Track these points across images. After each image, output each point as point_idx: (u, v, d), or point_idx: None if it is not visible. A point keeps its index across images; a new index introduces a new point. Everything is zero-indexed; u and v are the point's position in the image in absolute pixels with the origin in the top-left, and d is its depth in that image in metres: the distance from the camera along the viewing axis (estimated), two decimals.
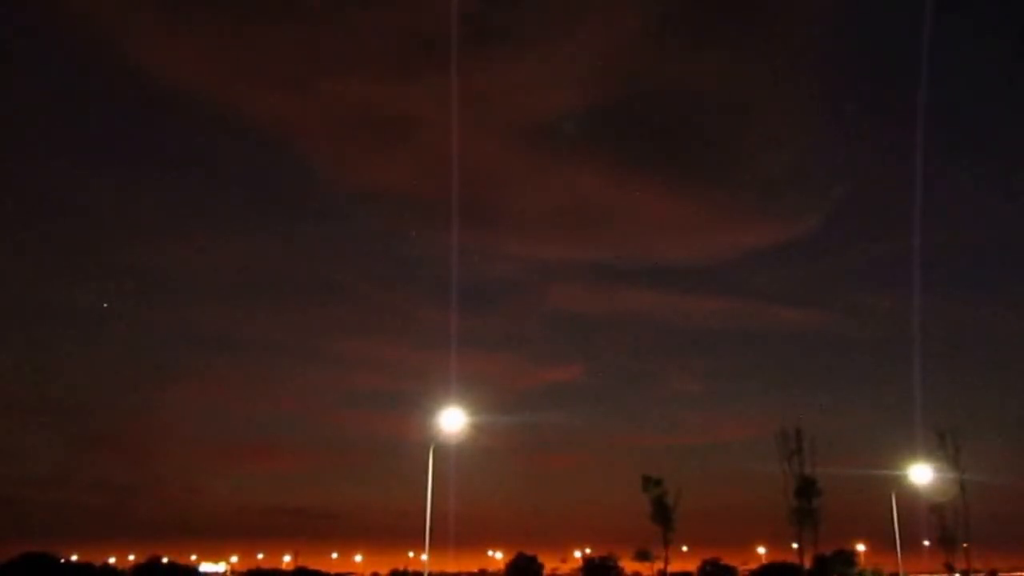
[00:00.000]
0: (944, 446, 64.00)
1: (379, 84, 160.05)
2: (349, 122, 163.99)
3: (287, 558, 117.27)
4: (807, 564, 66.39)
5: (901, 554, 53.76)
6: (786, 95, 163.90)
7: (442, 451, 31.90)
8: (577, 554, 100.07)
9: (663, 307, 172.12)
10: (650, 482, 70.65)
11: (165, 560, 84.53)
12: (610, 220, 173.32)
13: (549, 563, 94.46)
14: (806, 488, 63.34)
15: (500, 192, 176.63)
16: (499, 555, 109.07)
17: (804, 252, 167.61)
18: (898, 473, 51.35)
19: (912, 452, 57.28)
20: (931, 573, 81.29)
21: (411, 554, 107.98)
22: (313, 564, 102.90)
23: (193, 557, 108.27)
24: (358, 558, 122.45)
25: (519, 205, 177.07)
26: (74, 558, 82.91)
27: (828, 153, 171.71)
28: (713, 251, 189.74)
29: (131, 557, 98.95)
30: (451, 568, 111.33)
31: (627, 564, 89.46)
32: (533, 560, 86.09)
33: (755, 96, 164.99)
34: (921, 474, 50.97)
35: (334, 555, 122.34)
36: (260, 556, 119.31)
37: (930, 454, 60.52)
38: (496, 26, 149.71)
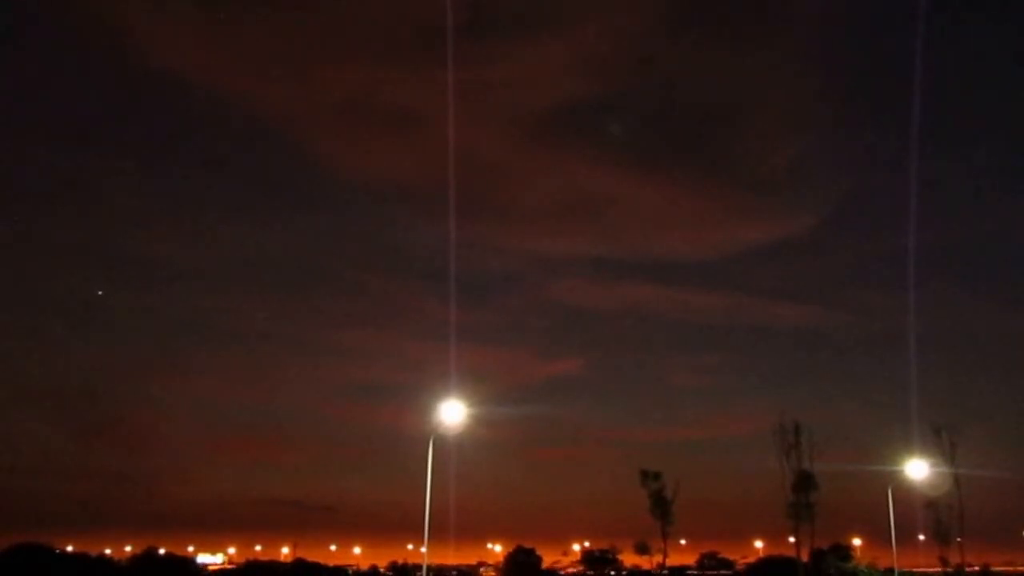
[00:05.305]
0: (940, 442, 64.03)
1: (379, 74, 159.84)
2: (348, 112, 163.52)
3: (285, 550, 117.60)
4: (804, 558, 66.58)
5: (896, 548, 53.99)
6: (787, 92, 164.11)
7: (441, 444, 31.90)
8: (576, 547, 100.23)
9: (663, 302, 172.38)
10: (649, 476, 70.69)
11: (162, 551, 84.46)
12: (611, 214, 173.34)
13: (548, 556, 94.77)
14: (803, 483, 63.35)
15: (501, 184, 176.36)
16: (498, 548, 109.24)
17: (804, 249, 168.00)
18: (894, 468, 51.41)
19: (908, 447, 57.26)
20: (926, 567, 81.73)
21: (410, 546, 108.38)
22: (311, 556, 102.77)
23: (190, 548, 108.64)
24: (357, 550, 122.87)
25: (520, 197, 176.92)
26: (69, 549, 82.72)
27: (828, 150, 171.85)
28: (713, 246, 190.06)
29: (128, 548, 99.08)
30: (450, 560, 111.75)
31: (626, 557, 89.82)
32: (532, 553, 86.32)
33: (756, 93, 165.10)
34: (917, 469, 51.01)
35: (332, 547, 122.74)
36: (258, 548, 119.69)
37: (926, 449, 60.48)
38: (496, 17, 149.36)
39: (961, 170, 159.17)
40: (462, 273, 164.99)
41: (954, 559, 70.74)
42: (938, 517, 67.17)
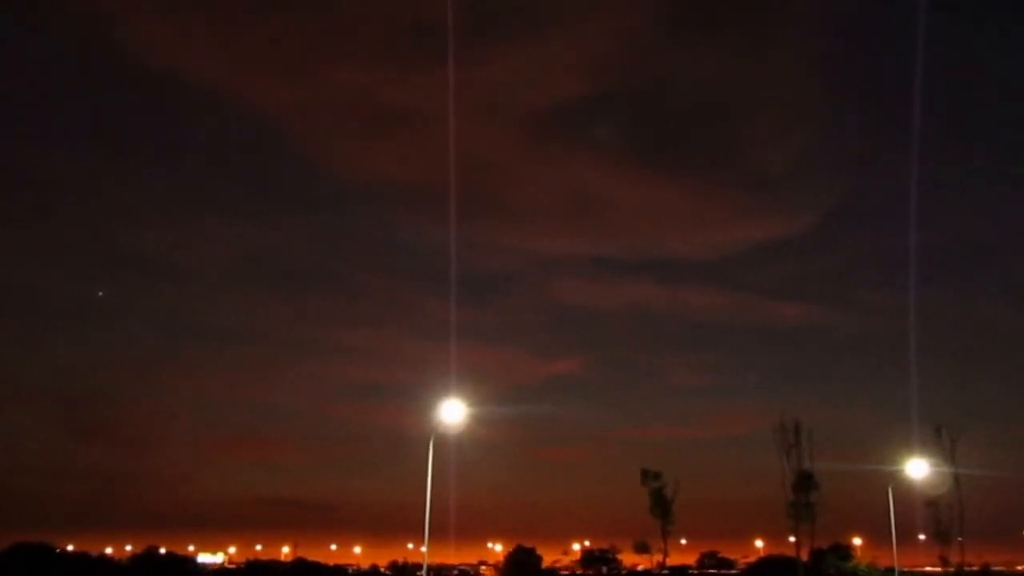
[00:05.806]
0: (940, 441, 63.88)
1: (378, 73, 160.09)
2: (348, 111, 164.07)
3: (286, 549, 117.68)
4: (804, 557, 66.48)
5: (897, 548, 53.93)
6: (787, 92, 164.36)
7: (441, 444, 31.87)
8: (576, 547, 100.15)
9: (663, 301, 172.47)
10: (649, 475, 70.47)
11: (163, 551, 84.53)
12: (612, 213, 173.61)
13: (548, 555, 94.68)
14: (804, 482, 63.15)
15: (501, 183, 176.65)
16: (498, 547, 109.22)
17: (804, 248, 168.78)
18: (894, 468, 51.32)
19: (908, 447, 57.14)
20: (926, 567, 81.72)
21: (410, 545, 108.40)
22: (312, 555, 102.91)
23: (191, 548, 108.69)
24: (357, 549, 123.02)
25: (520, 197, 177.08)
26: (70, 548, 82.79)
27: (828, 150, 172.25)
28: (714, 245, 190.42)
29: (128, 547, 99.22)
30: (451, 560, 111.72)
31: (626, 557, 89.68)
32: (532, 552, 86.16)
33: (757, 92, 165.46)
34: (917, 468, 50.95)
35: (333, 546, 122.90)
36: (258, 547, 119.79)
37: (926, 449, 60.32)
38: (496, 17, 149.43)
39: (961, 171, 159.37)
40: (462, 273, 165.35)
41: (954, 558, 70.65)
42: (938, 517, 66.93)
